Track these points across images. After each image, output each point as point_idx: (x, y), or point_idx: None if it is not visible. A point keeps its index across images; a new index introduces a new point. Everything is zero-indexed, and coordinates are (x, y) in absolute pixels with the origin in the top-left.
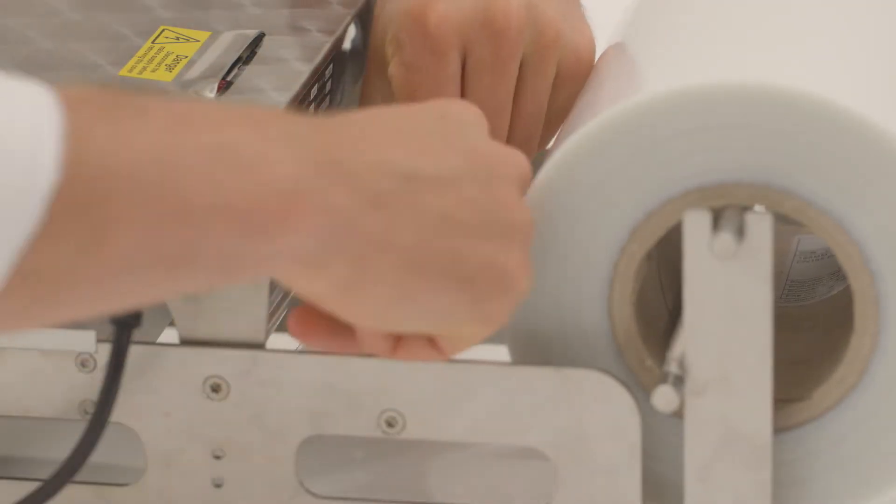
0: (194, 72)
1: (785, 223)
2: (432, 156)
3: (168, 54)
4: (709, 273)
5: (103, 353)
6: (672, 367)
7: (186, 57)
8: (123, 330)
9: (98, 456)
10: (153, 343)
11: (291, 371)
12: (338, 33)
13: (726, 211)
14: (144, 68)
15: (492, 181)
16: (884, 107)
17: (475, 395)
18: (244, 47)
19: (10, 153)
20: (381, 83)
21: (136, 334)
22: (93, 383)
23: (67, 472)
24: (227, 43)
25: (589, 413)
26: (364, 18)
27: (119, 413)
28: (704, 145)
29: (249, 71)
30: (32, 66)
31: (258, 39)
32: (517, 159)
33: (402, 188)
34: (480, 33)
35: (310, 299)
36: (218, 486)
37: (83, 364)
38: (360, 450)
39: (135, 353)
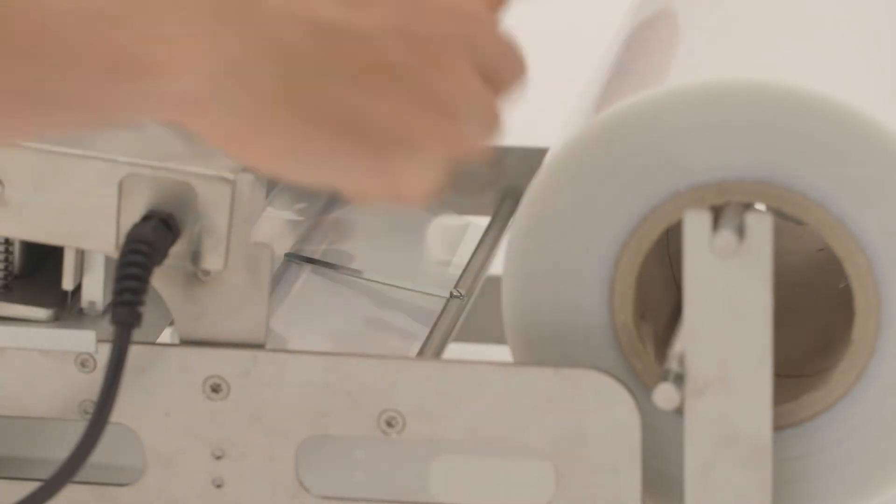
0: None
1: (785, 219)
2: (358, 7)
3: None
4: (709, 272)
5: (103, 353)
6: (673, 365)
7: None
8: (123, 330)
9: (98, 456)
10: (153, 343)
11: (291, 371)
12: None
13: (727, 209)
14: None
15: (429, 43)
16: (884, 103)
17: (475, 395)
18: None
19: None
20: None
21: (136, 334)
22: (93, 383)
23: (67, 472)
24: None
25: (589, 413)
26: None
27: (119, 413)
28: (706, 143)
29: None
30: None
31: None
32: (477, 25)
33: (309, 39)
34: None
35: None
36: (218, 486)
37: (83, 364)
38: (360, 450)
39: (135, 353)
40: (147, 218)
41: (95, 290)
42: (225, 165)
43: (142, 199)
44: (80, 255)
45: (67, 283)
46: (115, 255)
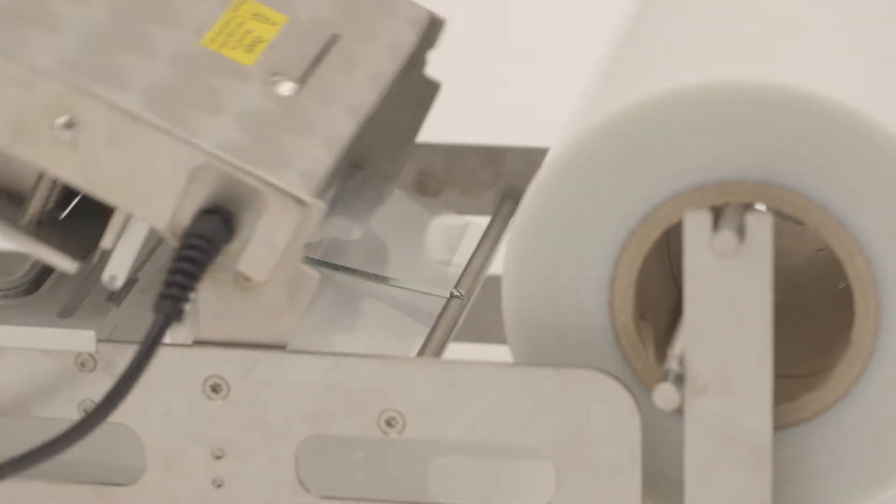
0: (273, 65)
1: (785, 219)
2: None
3: (247, 32)
4: (709, 272)
5: (103, 353)
6: (673, 365)
7: (265, 41)
8: (163, 322)
9: (98, 456)
10: None
11: (291, 371)
12: (404, 53)
13: (727, 209)
14: (224, 43)
15: None
16: (884, 103)
17: (475, 395)
18: (320, 47)
19: None
20: None
21: (136, 334)
22: (93, 383)
23: (62, 445)
24: (304, 38)
25: (589, 413)
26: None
27: (119, 413)
28: (706, 143)
29: (322, 76)
30: (116, 23)
31: (332, 41)
32: None
33: None
34: None
35: None
36: (218, 486)
37: (83, 364)
38: (360, 450)
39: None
40: (209, 212)
41: (122, 264)
42: (302, 184)
43: (208, 190)
44: (127, 222)
45: (108, 242)
46: (164, 233)
